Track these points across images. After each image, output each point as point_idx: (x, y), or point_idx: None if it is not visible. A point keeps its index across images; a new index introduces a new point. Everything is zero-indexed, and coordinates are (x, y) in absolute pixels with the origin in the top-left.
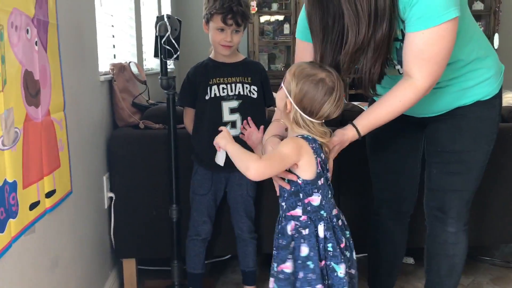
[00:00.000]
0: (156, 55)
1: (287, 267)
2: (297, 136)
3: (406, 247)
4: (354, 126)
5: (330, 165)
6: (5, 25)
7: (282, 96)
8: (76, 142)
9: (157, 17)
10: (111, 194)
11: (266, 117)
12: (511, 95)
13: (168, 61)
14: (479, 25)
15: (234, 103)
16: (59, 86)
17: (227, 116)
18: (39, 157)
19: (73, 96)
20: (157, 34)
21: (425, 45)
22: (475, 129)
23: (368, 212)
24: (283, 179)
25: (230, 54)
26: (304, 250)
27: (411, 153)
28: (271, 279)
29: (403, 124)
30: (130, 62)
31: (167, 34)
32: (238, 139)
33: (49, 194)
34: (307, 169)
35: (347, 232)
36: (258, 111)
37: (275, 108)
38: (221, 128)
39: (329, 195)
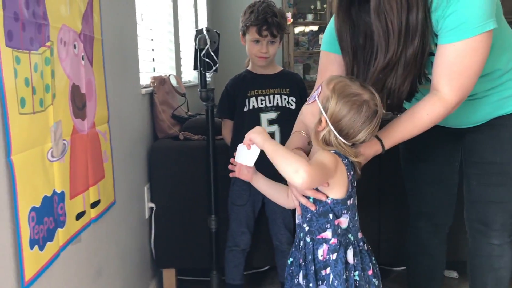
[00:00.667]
0: (195, 68)
1: None
2: (330, 151)
3: (447, 259)
4: (379, 139)
5: None
6: (55, 41)
7: (315, 112)
8: (118, 153)
9: (197, 30)
10: (152, 205)
11: None
12: None
13: (207, 74)
14: None
15: (273, 115)
16: (103, 99)
17: (265, 128)
18: (85, 168)
19: (116, 108)
20: (196, 47)
21: (456, 57)
22: None
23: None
24: (307, 197)
25: (267, 65)
26: (330, 278)
27: (447, 163)
28: None
29: (439, 134)
30: (169, 75)
31: (206, 47)
32: None
33: (94, 204)
34: (338, 188)
35: (373, 258)
36: None
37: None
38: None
39: (356, 217)
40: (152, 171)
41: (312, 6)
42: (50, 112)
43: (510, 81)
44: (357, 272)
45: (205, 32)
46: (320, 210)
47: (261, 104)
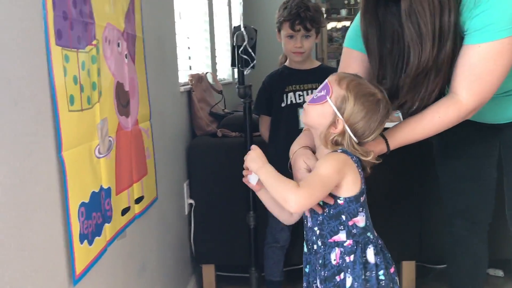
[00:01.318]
0: (233, 65)
1: None
2: (335, 151)
3: (491, 258)
4: (384, 138)
5: None
6: (100, 39)
7: (326, 113)
8: (159, 150)
9: (234, 27)
10: (191, 201)
11: None
12: None
13: (244, 70)
14: None
15: None
16: (145, 97)
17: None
18: (130, 164)
19: (157, 106)
20: (234, 44)
21: (480, 60)
22: None
23: None
24: None
25: (304, 60)
26: (348, 282)
27: (485, 159)
28: None
29: (476, 128)
30: (206, 73)
31: (244, 44)
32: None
33: (138, 200)
34: (351, 185)
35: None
36: None
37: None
38: (253, 146)
39: (368, 214)
40: (191, 168)
41: (346, 1)
42: (97, 109)
43: None
44: (381, 271)
45: (242, 29)
46: (331, 212)
47: (299, 99)
